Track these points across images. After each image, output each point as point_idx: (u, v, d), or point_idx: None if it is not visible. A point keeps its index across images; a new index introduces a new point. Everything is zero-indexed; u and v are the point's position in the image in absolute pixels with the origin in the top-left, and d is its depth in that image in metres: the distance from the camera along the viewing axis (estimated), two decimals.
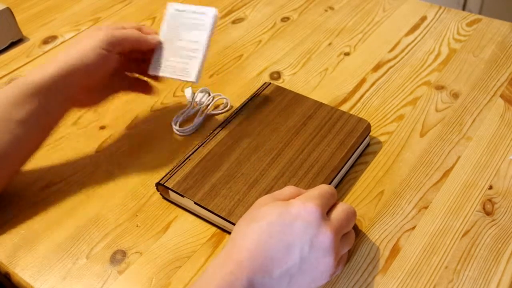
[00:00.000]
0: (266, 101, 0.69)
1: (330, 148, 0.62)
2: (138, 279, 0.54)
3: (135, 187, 0.63)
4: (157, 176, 0.63)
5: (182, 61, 0.65)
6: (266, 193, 0.56)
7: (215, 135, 0.65)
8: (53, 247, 0.57)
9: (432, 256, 0.55)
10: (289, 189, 0.51)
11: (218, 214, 0.56)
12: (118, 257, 0.56)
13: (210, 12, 0.66)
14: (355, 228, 0.57)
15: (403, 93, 0.74)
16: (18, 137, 0.56)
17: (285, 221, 0.46)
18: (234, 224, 0.54)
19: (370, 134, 0.66)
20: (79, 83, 0.60)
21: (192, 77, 0.64)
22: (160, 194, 0.61)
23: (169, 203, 0.61)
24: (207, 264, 0.55)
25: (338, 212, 0.49)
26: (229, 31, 0.89)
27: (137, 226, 0.59)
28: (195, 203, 0.57)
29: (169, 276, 0.54)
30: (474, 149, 0.66)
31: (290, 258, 0.46)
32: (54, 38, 0.89)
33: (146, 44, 0.65)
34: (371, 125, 0.67)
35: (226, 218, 0.55)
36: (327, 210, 0.49)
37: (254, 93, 0.71)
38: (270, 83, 0.72)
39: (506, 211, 0.58)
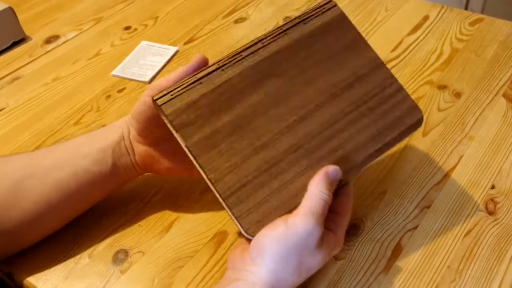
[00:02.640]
0: (320, 32, 0.55)
1: (364, 136, 0.52)
2: (141, 279, 0.54)
3: (138, 187, 0.63)
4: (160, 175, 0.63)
5: (141, 70, 0.81)
6: (268, 167, 0.49)
7: (241, 58, 0.52)
8: (55, 247, 0.57)
9: (434, 256, 0.55)
10: (328, 202, 0.48)
11: (206, 173, 0.48)
12: (120, 257, 0.56)
13: (173, 48, 0.84)
14: (357, 228, 0.57)
15: None
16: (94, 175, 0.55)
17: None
18: (217, 192, 0.48)
19: None
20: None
21: (146, 79, 0.79)
22: (156, 109, 0.51)
23: (172, 203, 0.61)
24: (210, 264, 0.55)
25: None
26: (232, 30, 0.89)
27: (139, 226, 0.59)
28: (186, 146, 0.49)
29: (172, 275, 0.54)
30: (477, 148, 0.66)
31: None
32: (56, 37, 0.89)
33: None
34: None
35: (212, 181, 0.48)
36: None
37: (312, 10, 0.56)
38: (335, 5, 0.57)
39: (508, 211, 0.58)
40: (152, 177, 0.63)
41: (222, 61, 0.52)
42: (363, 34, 0.85)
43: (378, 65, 0.55)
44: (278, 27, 0.54)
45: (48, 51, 0.86)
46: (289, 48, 0.53)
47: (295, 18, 0.55)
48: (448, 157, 0.65)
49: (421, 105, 0.72)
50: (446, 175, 0.63)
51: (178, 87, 0.50)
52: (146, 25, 0.91)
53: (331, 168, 0.49)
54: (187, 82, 0.50)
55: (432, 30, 0.86)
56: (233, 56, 0.52)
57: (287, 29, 0.54)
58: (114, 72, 0.81)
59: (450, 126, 0.69)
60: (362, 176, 0.63)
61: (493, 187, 0.61)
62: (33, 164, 0.54)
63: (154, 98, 0.49)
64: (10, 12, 0.85)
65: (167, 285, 0.53)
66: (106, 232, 0.58)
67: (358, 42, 0.56)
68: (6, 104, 0.76)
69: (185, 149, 0.49)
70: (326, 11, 0.56)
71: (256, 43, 0.53)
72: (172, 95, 0.49)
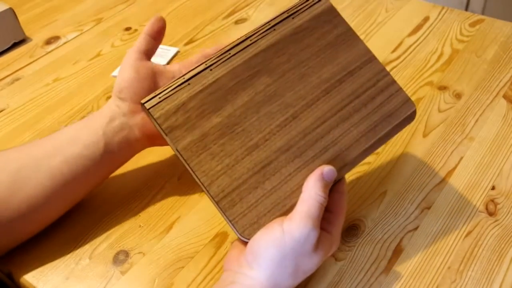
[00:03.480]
0: (309, 26, 0.54)
1: (357, 131, 0.51)
2: (141, 280, 0.54)
3: (138, 187, 0.63)
4: (161, 175, 0.63)
5: None
6: (260, 168, 0.48)
7: (229, 56, 0.51)
8: (56, 247, 0.57)
9: (435, 257, 0.55)
10: (324, 203, 0.47)
11: (198, 177, 0.48)
12: (121, 258, 0.56)
13: (173, 49, 0.84)
14: (357, 228, 0.57)
15: None
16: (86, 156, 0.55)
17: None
18: (210, 196, 0.48)
19: None
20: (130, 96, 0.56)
21: None
22: (145, 112, 0.50)
23: (172, 203, 0.61)
24: (210, 265, 0.55)
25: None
26: (232, 31, 0.89)
27: (139, 227, 0.59)
28: (177, 150, 0.48)
29: (172, 276, 0.54)
30: (477, 149, 0.66)
31: None
32: (56, 38, 0.89)
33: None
34: None
35: (204, 185, 0.47)
36: None
37: (301, 3, 0.55)
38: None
39: (508, 212, 0.58)
40: (152, 178, 0.63)
41: (210, 60, 0.50)
42: (364, 35, 0.86)
43: (370, 58, 0.54)
44: (266, 23, 0.53)
45: (49, 52, 0.87)
46: (278, 44, 0.52)
47: (283, 13, 0.54)
48: (448, 158, 0.65)
49: (421, 106, 0.72)
50: (447, 176, 0.63)
51: (166, 89, 0.49)
52: None
53: (326, 169, 0.48)
54: (174, 84, 0.49)
55: (432, 31, 0.86)
56: (221, 55, 0.51)
57: (276, 24, 0.53)
58: (114, 73, 0.81)
59: (450, 127, 0.69)
60: (362, 177, 0.63)
61: (493, 188, 0.61)
62: (24, 155, 0.54)
63: (142, 101, 0.48)
64: (11, 13, 0.85)
65: (167, 286, 0.53)
66: (107, 233, 0.58)
67: (348, 35, 0.55)
68: (6, 105, 0.76)
69: (176, 153, 0.48)
70: (314, 3, 0.55)
71: (244, 40, 0.52)
72: (160, 97, 0.48)
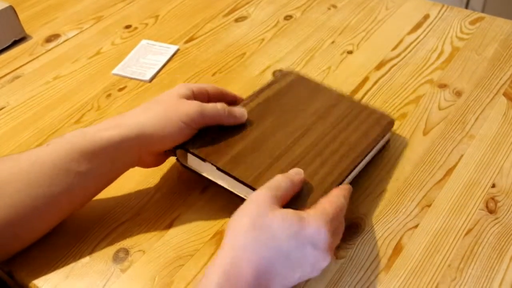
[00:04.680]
0: (286, 89, 0.67)
1: (355, 136, 0.61)
2: (141, 278, 0.54)
3: (138, 185, 0.63)
4: (161, 174, 0.63)
5: (141, 69, 0.81)
6: (292, 167, 0.54)
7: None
8: (56, 246, 0.57)
9: (435, 254, 0.55)
10: (284, 182, 0.50)
11: (243, 181, 0.54)
12: (121, 256, 0.56)
13: (173, 47, 0.85)
14: (358, 226, 0.57)
15: (406, 92, 0.74)
16: (74, 186, 0.53)
17: (298, 245, 0.46)
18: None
19: None
20: (150, 149, 0.56)
21: (147, 78, 0.79)
22: (177, 160, 0.58)
23: (172, 202, 0.61)
24: (210, 263, 0.55)
25: (341, 226, 0.51)
26: (232, 29, 0.89)
27: (139, 225, 0.59)
28: (217, 168, 0.55)
29: (172, 274, 0.54)
30: (477, 147, 0.66)
31: (292, 277, 0.47)
32: (57, 36, 0.89)
33: (232, 123, 0.60)
34: None
35: (251, 185, 0.53)
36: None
37: (275, 78, 0.69)
38: (292, 71, 0.70)
39: (509, 210, 0.58)
40: (152, 176, 0.63)
41: None
42: (364, 33, 0.86)
43: (341, 97, 0.67)
44: (252, 93, 0.66)
45: (49, 50, 0.86)
46: (269, 99, 0.65)
47: (264, 86, 0.67)
48: (448, 156, 0.65)
49: (421, 104, 0.72)
50: (447, 174, 0.63)
51: (194, 136, 0.57)
52: (146, 24, 0.91)
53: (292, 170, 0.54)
54: (199, 132, 0.58)
55: (432, 29, 0.86)
56: None
57: (259, 93, 0.66)
58: (114, 71, 0.81)
59: (450, 125, 0.69)
60: (363, 175, 0.63)
61: (493, 186, 0.61)
62: (22, 178, 0.52)
63: (178, 148, 0.57)
64: (11, 11, 0.85)
65: (167, 284, 0.53)
66: (107, 231, 0.58)
67: (319, 88, 0.68)
68: (6, 103, 0.76)
69: (217, 172, 0.55)
70: (286, 76, 0.69)
71: (244, 100, 0.64)
72: (190, 140, 0.57)
